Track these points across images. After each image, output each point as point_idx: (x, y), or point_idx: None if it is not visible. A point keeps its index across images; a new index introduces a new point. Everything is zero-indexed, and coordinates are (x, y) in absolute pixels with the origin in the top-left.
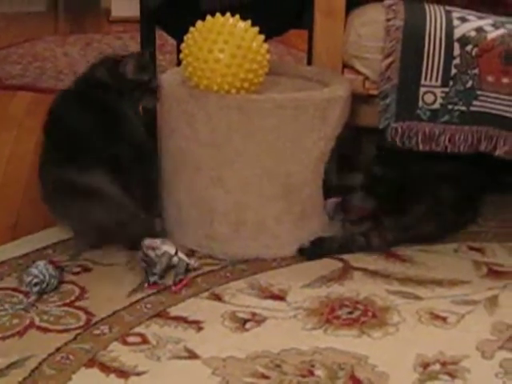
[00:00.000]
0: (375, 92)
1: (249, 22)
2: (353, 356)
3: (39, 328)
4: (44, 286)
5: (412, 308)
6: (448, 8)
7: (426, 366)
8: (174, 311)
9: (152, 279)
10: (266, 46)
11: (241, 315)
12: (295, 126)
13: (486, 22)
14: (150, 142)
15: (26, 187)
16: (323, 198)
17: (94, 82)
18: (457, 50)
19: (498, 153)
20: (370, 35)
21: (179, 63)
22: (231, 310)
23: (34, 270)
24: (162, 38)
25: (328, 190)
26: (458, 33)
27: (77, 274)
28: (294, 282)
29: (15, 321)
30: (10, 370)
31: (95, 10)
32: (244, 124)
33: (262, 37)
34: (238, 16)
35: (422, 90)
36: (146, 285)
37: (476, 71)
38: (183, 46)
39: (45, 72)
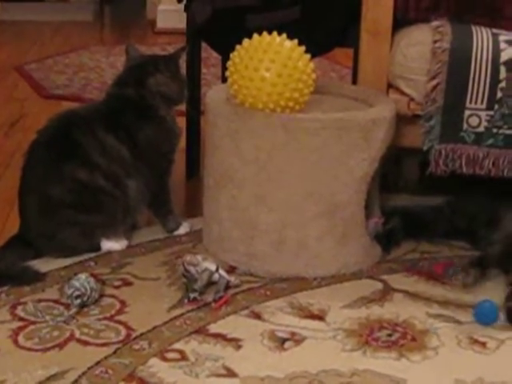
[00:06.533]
0: (420, 113)
1: (295, 40)
2: (391, 379)
3: (79, 341)
4: (85, 298)
5: (451, 332)
6: (495, 31)
7: None
8: (213, 328)
9: (192, 295)
10: (311, 65)
11: (280, 334)
12: (339, 146)
13: None
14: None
15: None
16: (365, 218)
17: None
18: (503, 74)
19: None
20: (416, 56)
21: (224, 78)
22: (270, 328)
23: (76, 283)
24: (207, 51)
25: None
26: (504, 56)
27: (117, 287)
28: (334, 302)
29: (55, 333)
30: (50, 382)
31: (141, 20)
32: (288, 143)
33: (308, 56)
34: (284, 35)
35: (467, 112)
36: (186, 301)
37: None
38: (229, 63)
39: (90, 83)
